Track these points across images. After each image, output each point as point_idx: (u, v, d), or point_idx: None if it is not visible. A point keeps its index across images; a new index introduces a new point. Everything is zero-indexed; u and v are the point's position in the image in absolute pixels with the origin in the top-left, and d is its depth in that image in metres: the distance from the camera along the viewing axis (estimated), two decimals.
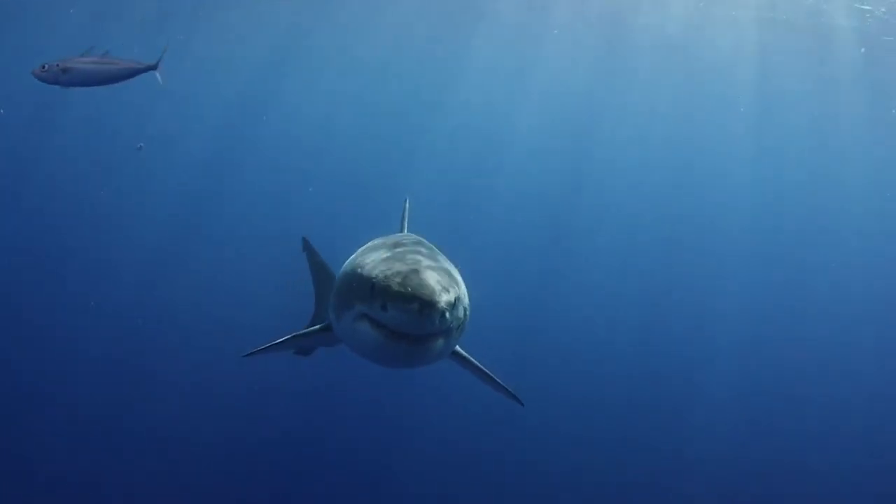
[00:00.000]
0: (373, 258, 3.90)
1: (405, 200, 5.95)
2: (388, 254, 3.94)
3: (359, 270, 3.81)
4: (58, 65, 6.19)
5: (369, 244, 4.50)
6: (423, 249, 4.13)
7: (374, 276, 3.58)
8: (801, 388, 15.67)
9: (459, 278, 3.94)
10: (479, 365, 4.62)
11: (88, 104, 17.67)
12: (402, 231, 5.56)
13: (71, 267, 14.06)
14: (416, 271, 3.53)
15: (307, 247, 5.77)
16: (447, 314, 3.35)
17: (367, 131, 25.90)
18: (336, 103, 27.49)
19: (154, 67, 6.75)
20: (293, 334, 4.67)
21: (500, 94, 28.76)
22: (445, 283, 3.51)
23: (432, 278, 3.48)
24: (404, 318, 3.32)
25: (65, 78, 6.19)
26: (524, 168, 25.47)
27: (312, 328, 4.68)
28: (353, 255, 4.38)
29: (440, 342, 3.59)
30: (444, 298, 3.36)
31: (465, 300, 3.82)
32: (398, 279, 3.43)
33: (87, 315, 12.48)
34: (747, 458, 13.11)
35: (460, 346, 4.42)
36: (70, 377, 11.06)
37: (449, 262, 4.19)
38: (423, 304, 3.28)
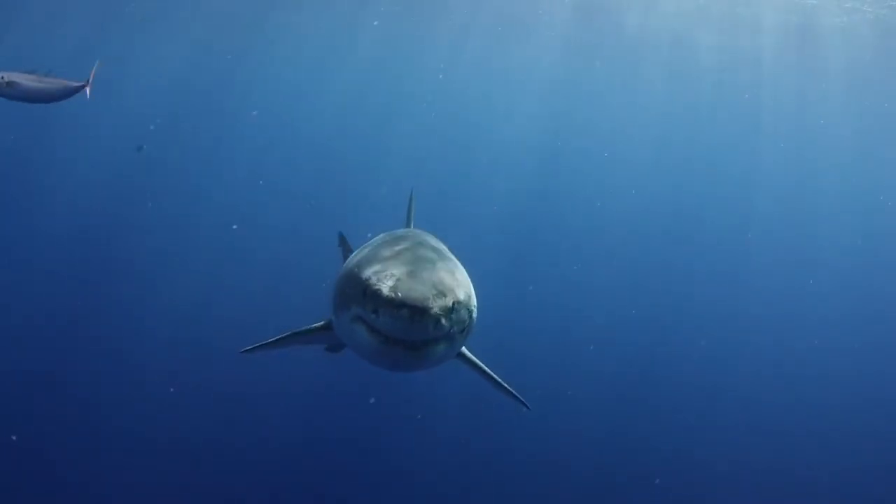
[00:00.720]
0: (371, 257, 3.69)
1: (411, 193, 5.81)
2: (388, 253, 3.71)
3: (355, 270, 3.59)
4: (3, 77, 6.21)
5: (372, 241, 4.33)
6: (425, 248, 3.88)
7: (367, 277, 3.37)
8: (802, 388, 15.67)
9: (464, 279, 3.69)
10: (484, 368, 4.48)
11: (86, 106, 17.63)
12: (408, 226, 5.44)
13: (71, 266, 14.04)
14: (411, 274, 3.31)
15: (343, 242, 5.72)
16: (443, 320, 3.14)
17: (363, 130, 25.95)
18: (332, 102, 27.53)
19: (84, 87, 6.70)
20: (292, 331, 4.57)
21: (499, 92, 28.79)
22: (442, 287, 3.28)
23: (427, 282, 3.26)
24: (395, 324, 3.12)
25: (9, 91, 6.23)
26: (522, 167, 25.48)
27: (313, 326, 4.53)
28: (354, 253, 4.23)
29: (440, 347, 3.37)
30: (439, 304, 3.15)
31: (472, 302, 3.59)
32: (390, 283, 3.22)
33: (87, 315, 12.47)
34: (748, 458, 13.11)
35: (467, 348, 4.24)
36: (70, 377, 11.05)
37: (455, 261, 3.97)
38: (413, 311, 3.07)
